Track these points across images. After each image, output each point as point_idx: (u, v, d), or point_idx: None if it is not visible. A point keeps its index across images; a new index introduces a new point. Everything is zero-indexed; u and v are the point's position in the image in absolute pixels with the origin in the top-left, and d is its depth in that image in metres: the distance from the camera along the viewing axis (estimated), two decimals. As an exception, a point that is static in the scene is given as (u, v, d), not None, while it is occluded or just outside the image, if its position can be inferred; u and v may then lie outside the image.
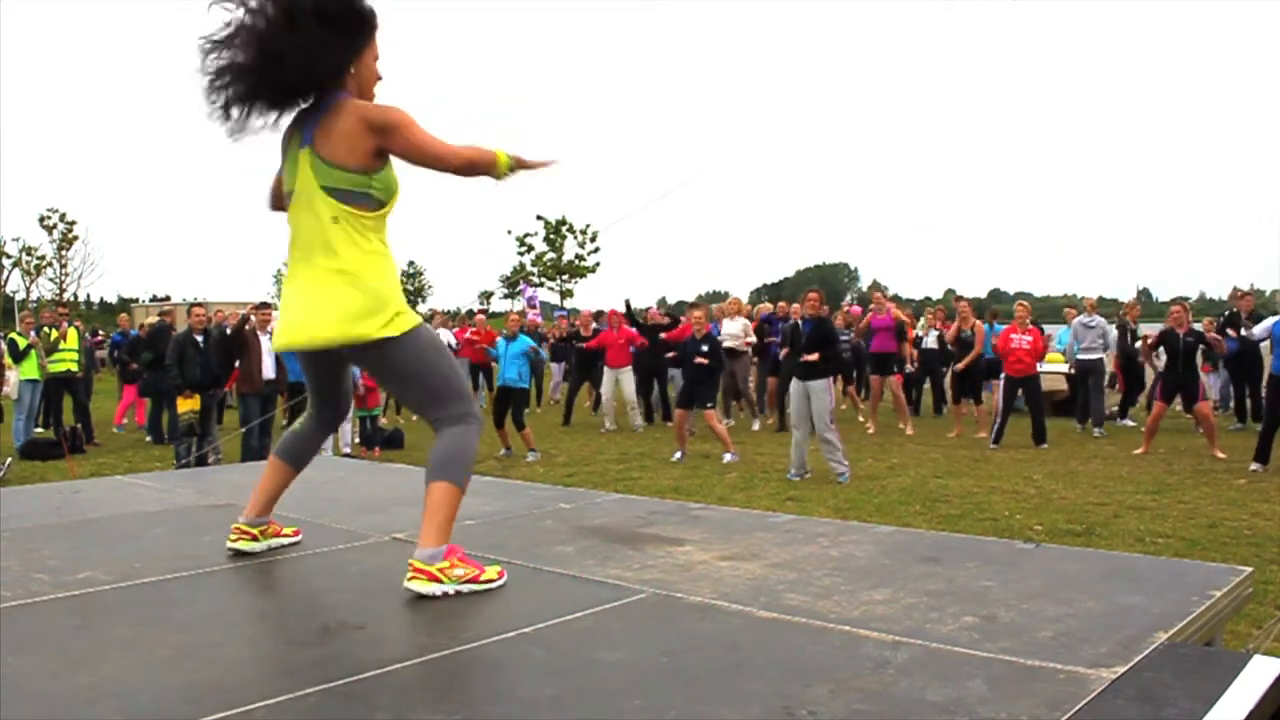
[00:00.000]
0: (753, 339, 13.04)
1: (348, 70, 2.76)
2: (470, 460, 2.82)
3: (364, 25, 2.78)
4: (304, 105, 2.79)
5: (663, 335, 12.55)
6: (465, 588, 2.68)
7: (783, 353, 9.85)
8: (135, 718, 1.83)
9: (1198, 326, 10.95)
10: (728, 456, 9.83)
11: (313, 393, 3.13)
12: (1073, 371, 12.91)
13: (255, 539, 3.14)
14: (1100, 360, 12.53)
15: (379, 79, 2.87)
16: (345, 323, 2.69)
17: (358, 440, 11.27)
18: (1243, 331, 11.06)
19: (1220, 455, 9.62)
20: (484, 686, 2.05)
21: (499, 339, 11.58)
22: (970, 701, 1.86)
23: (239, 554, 3.10)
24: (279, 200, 2.97)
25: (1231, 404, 12.92)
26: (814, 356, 8.52)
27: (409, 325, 2.75)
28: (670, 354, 11.80)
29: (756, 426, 12.72)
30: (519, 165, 2.87)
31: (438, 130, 2.76)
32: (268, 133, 2.82)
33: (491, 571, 2.76)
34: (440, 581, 2.65)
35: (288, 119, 2.82)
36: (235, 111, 2.76)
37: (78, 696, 1.93)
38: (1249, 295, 13.16)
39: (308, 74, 2.69)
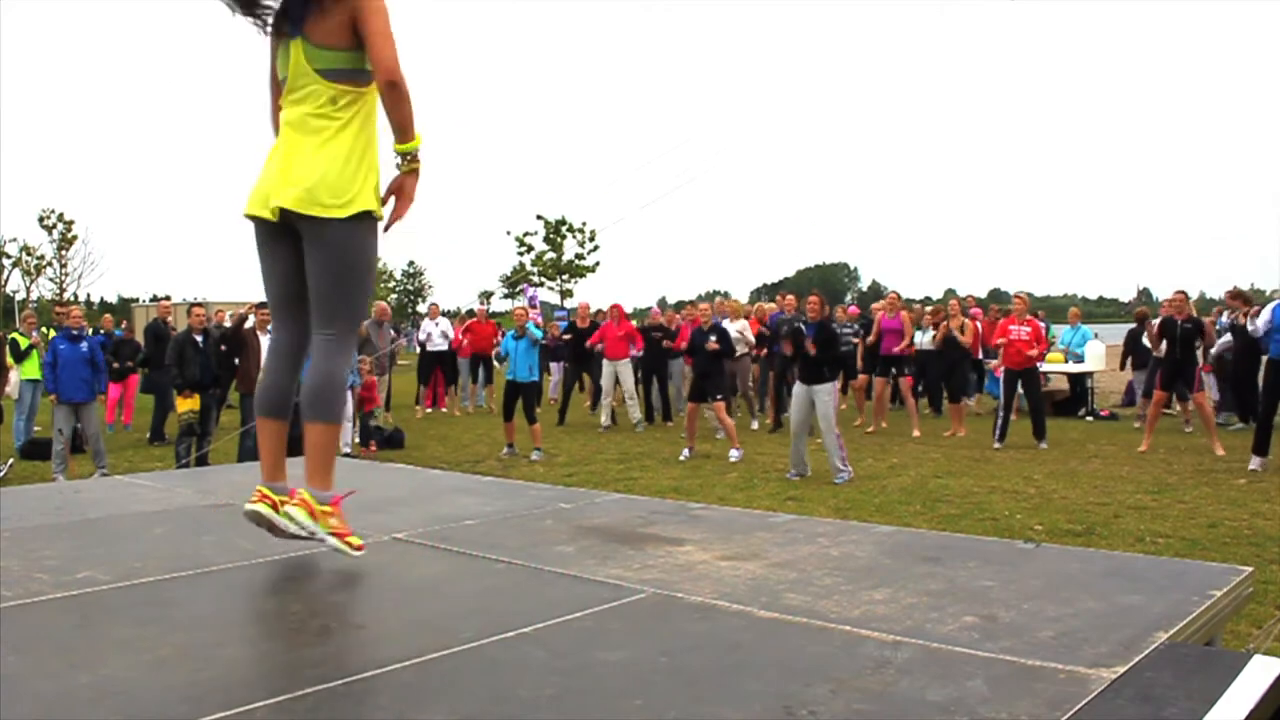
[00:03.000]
0: (751, 340, 13.05)
1: None
2: (340, 388, 2.88)
3: None
4: None
5: (665, 342, 12.62)
6: (329, 539, 2.82)
7: (786, 347, 9.78)
8: (135, 718, 1.83)
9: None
10: (734, 454, 9.81)
11: (273, 299, 3.01)
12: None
13: (275, 508, 2.97)
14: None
15: None
16: (319, 189, 2.70)
17: (357, 440, 11.28)
18: (1248, 325, 10.85)
19: (1220, 452, 9.63)
20: (484, 686, 2.05)
21: (507, 335, 11.44)
22: (970, 701, 1.86)
23: (256, 517, 2.95)
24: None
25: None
26: (823, 363, 8.53)
27: (374, 216, 2.79)
28: (677, 343, 11.78)
29: (755, 426, 12.73)
30: (412, 164, 2.84)
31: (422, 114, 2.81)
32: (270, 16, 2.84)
33: (355, 539, 2.88)
34: (314, 520, 2.78)
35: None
36: None
37: (78, 696, 1.93)
38: (1250, 301, 12.70)
39: None
